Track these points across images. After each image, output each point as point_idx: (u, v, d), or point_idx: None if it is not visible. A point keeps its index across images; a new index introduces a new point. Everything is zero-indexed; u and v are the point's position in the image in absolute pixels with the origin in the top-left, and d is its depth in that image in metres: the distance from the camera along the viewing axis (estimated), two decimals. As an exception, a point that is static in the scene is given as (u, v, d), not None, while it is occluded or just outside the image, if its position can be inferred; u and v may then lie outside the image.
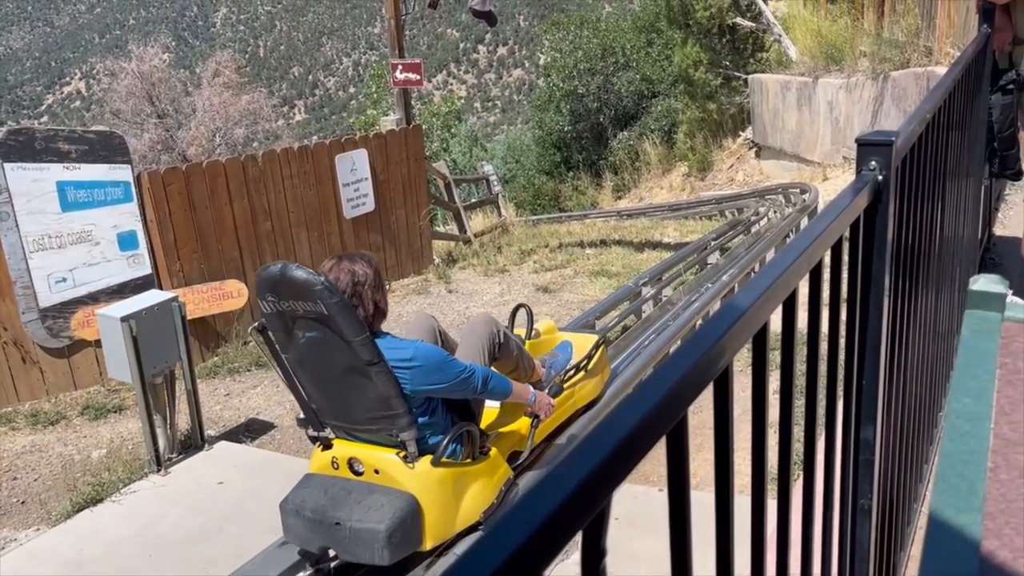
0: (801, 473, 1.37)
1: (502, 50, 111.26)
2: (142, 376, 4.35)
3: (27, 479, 4.81)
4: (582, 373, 3.73)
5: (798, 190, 10.16)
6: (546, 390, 3.49)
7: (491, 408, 3.40)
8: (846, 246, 1.34)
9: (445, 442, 2.96)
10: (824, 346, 1.33)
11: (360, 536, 2.80)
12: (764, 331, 0.92)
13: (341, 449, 3.09)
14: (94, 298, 5.93)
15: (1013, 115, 3.44)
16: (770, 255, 6.95)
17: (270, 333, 3.06)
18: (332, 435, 3.16)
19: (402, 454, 2.95)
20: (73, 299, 5.88)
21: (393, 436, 2.94)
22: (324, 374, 2.98)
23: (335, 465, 3.10)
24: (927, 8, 9.52)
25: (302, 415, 3.21)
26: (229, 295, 6.13)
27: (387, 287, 7.74)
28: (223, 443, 4.92)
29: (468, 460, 3.07)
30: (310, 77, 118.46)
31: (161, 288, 6.06)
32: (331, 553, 3.02)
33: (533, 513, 0.53)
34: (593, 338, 4.01)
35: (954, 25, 8.84)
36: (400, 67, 8.71)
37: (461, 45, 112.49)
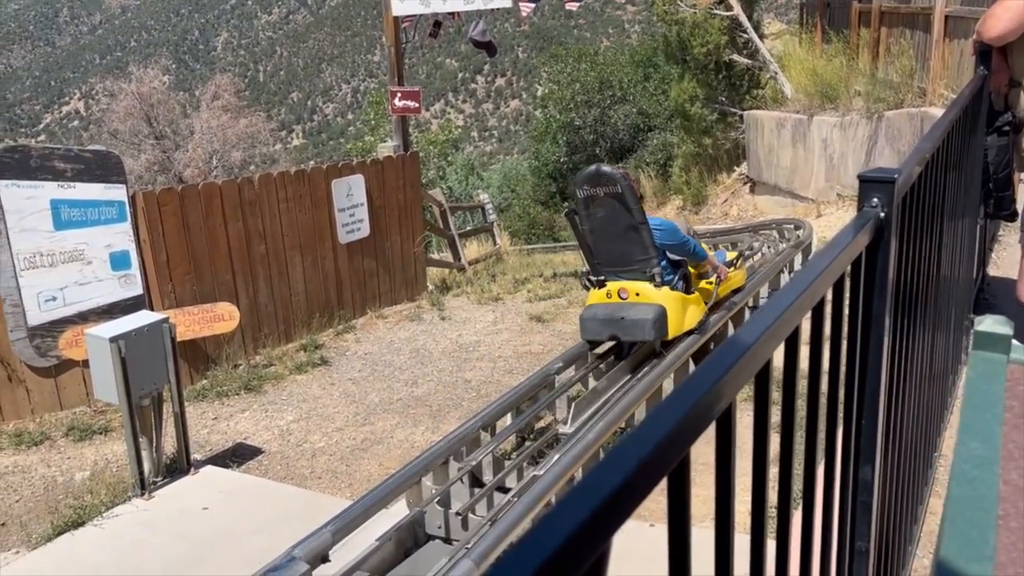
0: (797, 513, 1.34)
1: (500, 81, 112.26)
2: (129, 398, 4.30)
3: (8, 500, 4.73)
4: (733, 267, 5.89)
5: (792, 226, 10.18)
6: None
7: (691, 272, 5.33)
8: (847, 284, 1.32)
9: (675, 279, 5.06)
10: (823, 384, 1.30)
11: (636, 323, 4.86)
12: (767, 369, 0.89)
13: (613, 284, 5.08)
14: (84, 317, 5.87)
15: (1009, 156, 3.46)
16: (763, 290, 6.95)
17: (575, 216, 5.17)
18: (604, 279, 5.14)
19: (652, 284, 4.94)
20: (62, 318, 5.83)
21: (647, 273, 4.97)
22: (609, 235, 5.01)
23: (609, 295, 5.08)
24: (921, 50, 9.63)
25: (585, 268, 5.37)
26: (220, 318, 6.08)
27: (384, 311, 7.73)
28: (209, 467, 4.85)
29: (685, 293, 5.08)
30: (309, 102, 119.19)
31: (152, 309, 6.01)
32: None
33: (528, 560, 0.51)
34: (735, 252, 6.36)
35: (948, 67, 8.94)
36: (399, 94, 8.75)
37: (460, 75, 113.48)
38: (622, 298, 5.02)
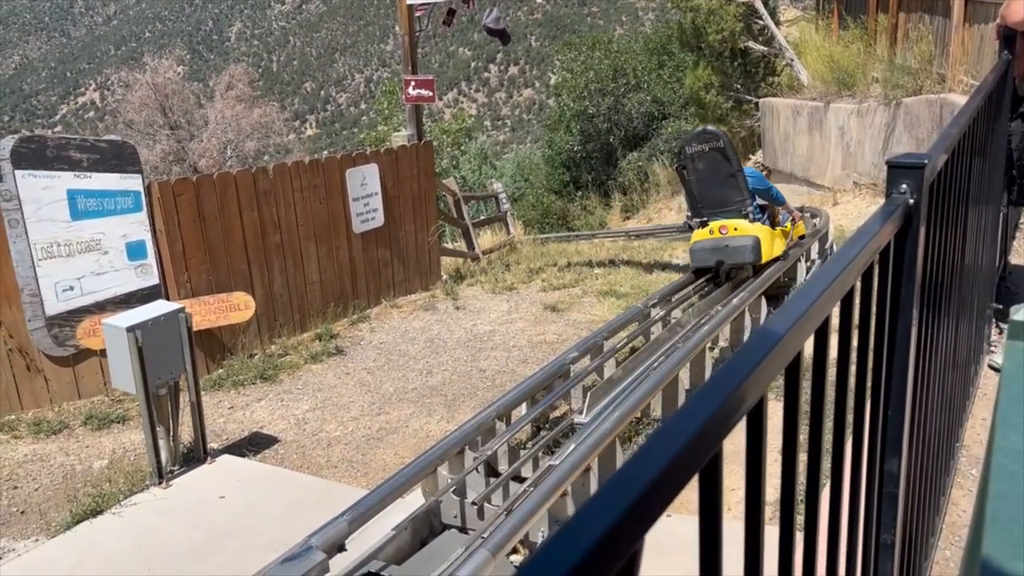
0: (824, 505, 1.32)
1: (513, 69, 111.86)
2: (146, 387, 4.31)
3: (27, 488, 4.77)
4: (800, 221, 7.24)
5: (808, 214, 10.10)
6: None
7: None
8: (876, 272, 1.29)
9: (763, 217, 6.38)
10: (849, 377, 1.28)
11: (738, 249, 6.14)
12: (797, 361, 0.87)
13: (714, 223, 6.29)
14: (101, 307, 5.90)
15: (1033, 143, 3.40)
16: (780, 279, 6.89)
17: (683, 169, 6.50)
18: (706, 220, 6.38)
19: (747, 220, 6.23)
20: (80, 308, 5.86)
21: (742, 212, 6.27)
22: (712, 182, 6.30)
23: (711, 232, 6.30)
24: (941, 35, 9.49)
25: (689, 213, 6.67)
26: (236, 307, 6.10)
27: (398, 301, 7.73)
28: (225, 456, 4.87)
29: (772, 228, 6.44)
30: (322, 92, 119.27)
31: (168, 299, 6.04)
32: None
33: (561, 560, 0.49)
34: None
35: (968, 53, 8.81)
36: (413, 83, 8.72)
37: (472, 64, 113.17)
38: (723, 233, 6.27)
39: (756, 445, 0.79)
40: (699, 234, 6.43)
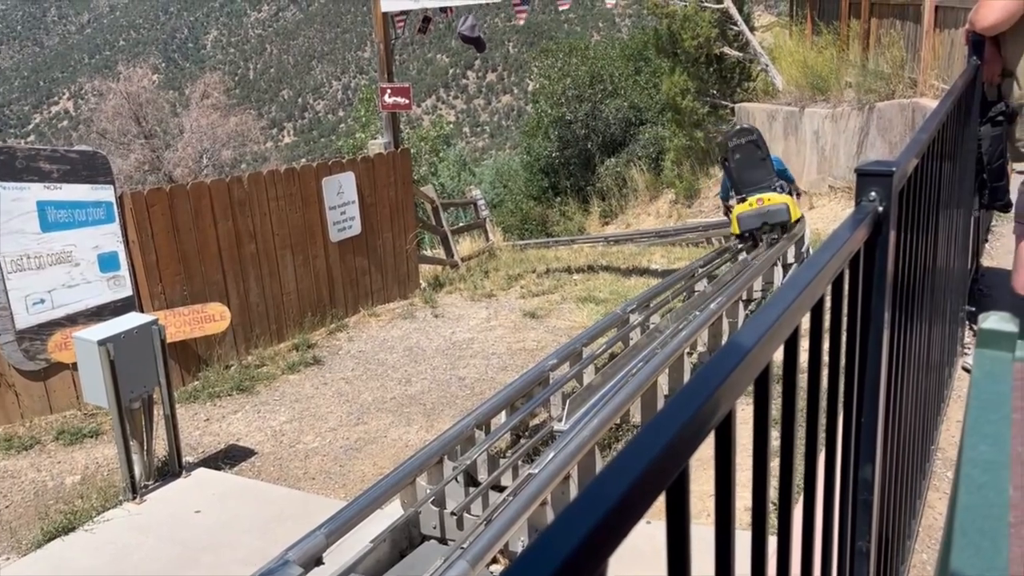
0: (797, 510, 1.31)
1: (491, 76, 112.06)
2: (119, 401, 4.25)
3: (-2, 506, 4.68)
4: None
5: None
6: None
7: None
8: (846, 280, 1.29)
9: (786, 190, 8.04)
10: (821, 384, 1.27)
11: (776, 211, 7.78)
12: (767, 373, 0.86)
13: (752, 198, 7.88)
14: (72, 320, 5.81)
15: (1002, 146, 3.43)
16: (757, 283, 6.92)
17: (727, 162, 8.17)
18: (745, 196, 7.95)
19: (776, 193, 7.89)
20: (51, 321, 5.77)
21: (772, 187, 7.94)
22: (748, 167, 8.01)
23: (750, 205, 7.87)
24: (912, 40, 9.61)
25: (733, 192, 8.39)
26: (211, 318, 6.04)
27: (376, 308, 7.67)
28: (201, 470, 4.81)
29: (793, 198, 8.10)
30: (299, 100, 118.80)
31: (142, 310, 5.96)
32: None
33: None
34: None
35: (939, 57, 8.92)
36: (389, 91, 8.69)
37: (451, 71, 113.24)
38: (759, 204, 7.96)
39: (725, 460, 0.78)
40: (741, 207, 8.07)
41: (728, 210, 8.60)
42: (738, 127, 8.75)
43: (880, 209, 1.34)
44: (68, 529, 4.12)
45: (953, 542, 0.73)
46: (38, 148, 5.91)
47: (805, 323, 1.12)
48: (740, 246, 8.35)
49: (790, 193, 8.27)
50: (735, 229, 8.23)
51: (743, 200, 8.05)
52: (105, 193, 6.02)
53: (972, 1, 3.45)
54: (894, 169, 1.34)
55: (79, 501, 4.46)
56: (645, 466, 0.61)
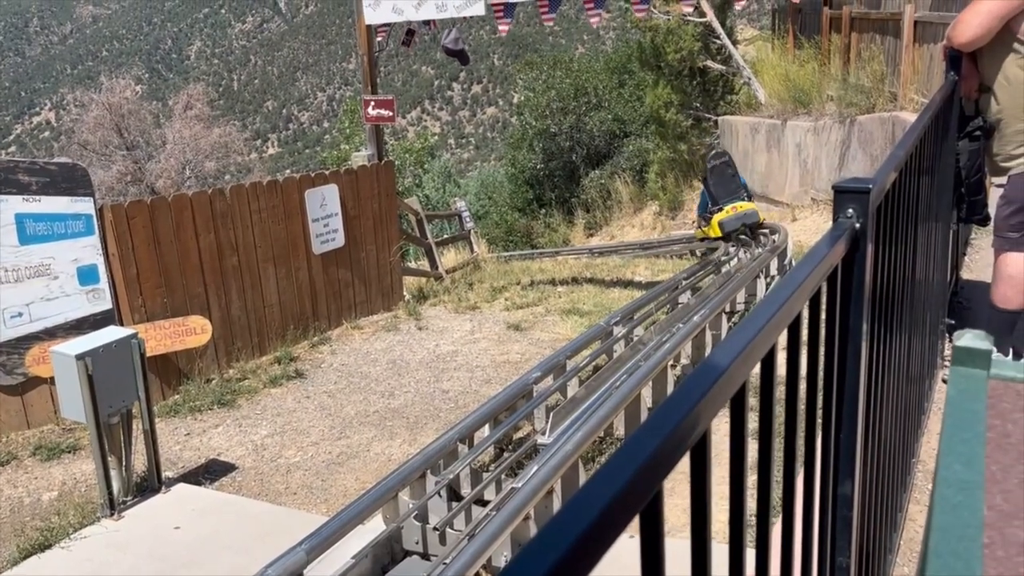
0: (777, 524, 1.31)
1: (476, 88, 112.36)
2: (97, 416, 4.20)
3: (-27, 523, 4.60)
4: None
5: (767, 230, 10.23)
6: None
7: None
8: (824, 296, 1.29)
9: (751, 197, 10.75)
10: (799, 398, 1.27)
11: (750, 214, 9.83)
12: (743, 392, 0.86)
13: (728, 207, 9.87)
14: (51, 334, 5.75)
15: (980, 161, 3.47)
16: (740, 295, 6.95)
17: (706, 179, 10.48)
18: (721, 207, 9.94)
19: (746, 201, 10.16)
20: (29, 334, 5.70)
21: (743, 197, 10.16)
22: (723, 182, 10.15)
23: (726, 212, 9.84)
24: (892, 55, 9.73)
25: (711, 204, 10.29)
26: (192, 331, 5.99)
27: (355, 322, 7.65)
28: (181, 485, 4.76)
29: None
30: (284, 111, 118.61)
31: (122, 324, 5.90)
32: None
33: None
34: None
35: (918, 72, 9.03)
36: (372, 103, 8.69)
37: (436, 82, 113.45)
38: (735, 211, 9.85)
39: (700, 479, 0.78)
40: (721, 215, 10.01)
41: (707, 220, 10.44)
42: (713, 151, 11.20)
43: (858, 225, 1.35)
44: (44, 546, 4.06)
45: (927, 564, 0.72)
46: (17, 160, 5.86)
47: (783, 338, 1.12)
48: (717, 247, 10.13)
49: (750, 199, 10.66)
50: (717, 232, 10.08)
51: (720, 209, 10.09)
52: (85, 205, 5.97)
53: (950, 17, 3.50)
54: (871, 186, 1.35)
55: (56, 518, 4.40)
56: (618, 489, 0.60)
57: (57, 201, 5.82)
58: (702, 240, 10.82)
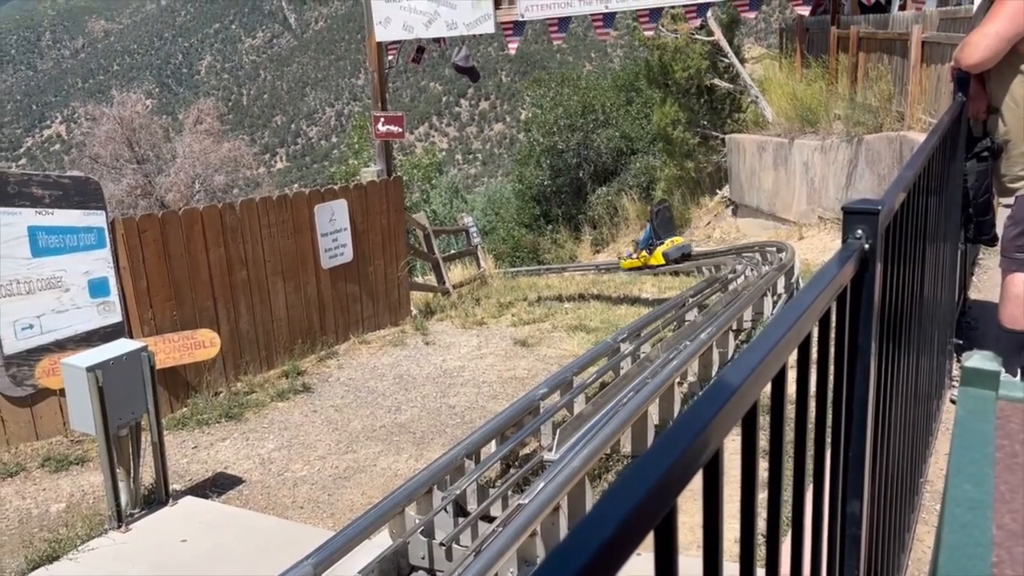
0: (785, 543, 1.32)
1: (484, 104, 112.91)
2: (106, 428, 4.22)
3: (-20, 534, 4.62)
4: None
5: (775, 248, 10.24)
6: None
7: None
8: (833, 317, 1.31)
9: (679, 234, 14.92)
10: (809, 416, 1.28)
11: (687, 245, 13.67)
12: (754, 411, 0.87)
13: (667, 241, 13.80)
14: (61, 346, 5.78)
15: (988, 181, 3.48)
16: (747, 314, 6.96)
17: (651, 222, 14.78)
18: (663, 240, 13.96)
19: (679, 237, 14.40)
20: (39, 346, 5.74)
21: (675, 235, 14.68)
22: (664, 222, 14.57)
23: (668, 245, 13.72)
24: (899, 75, 9.76)
25: (654, 239, 14.21)
26: (201, 344, 6.01)
27: (365, 337, 7.66)
28: (188, 498, 4.77)
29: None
30: (293, 126, 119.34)
31: (132, 336, 5.94)
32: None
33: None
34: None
35: (925, 92, 9.06)
36: (382, 119, 8.75)
37: (444, 98, 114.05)
38: (673, 243, 12.73)
39: (713, 498, 0.79)
40: (664, 247, 13.36)
41: (650, 252, 13.83)
42: (656, 200, 15.74)
43: (867, 246, 1.36)
44: (52, 558, 4.07)
45: (938, 582, 0.73)
46: (30, 173, 5.92)
47: (793, 356, 1.14)
48: (661, 270, 12.59)
49: (679, 236, 14.03)
50: (659, 260, 13.29)
51: (662, 243, 13.61)
52: (97, 219, 6.02)
53: (958, 38, 3.52)
54: (880, 208, 1.36)
55: (64, 529, 4.41)
56: (632, 507, 0.62)
57: (70, 214, 5.87)
58: (630, 270, 13.75)
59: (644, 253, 14.07)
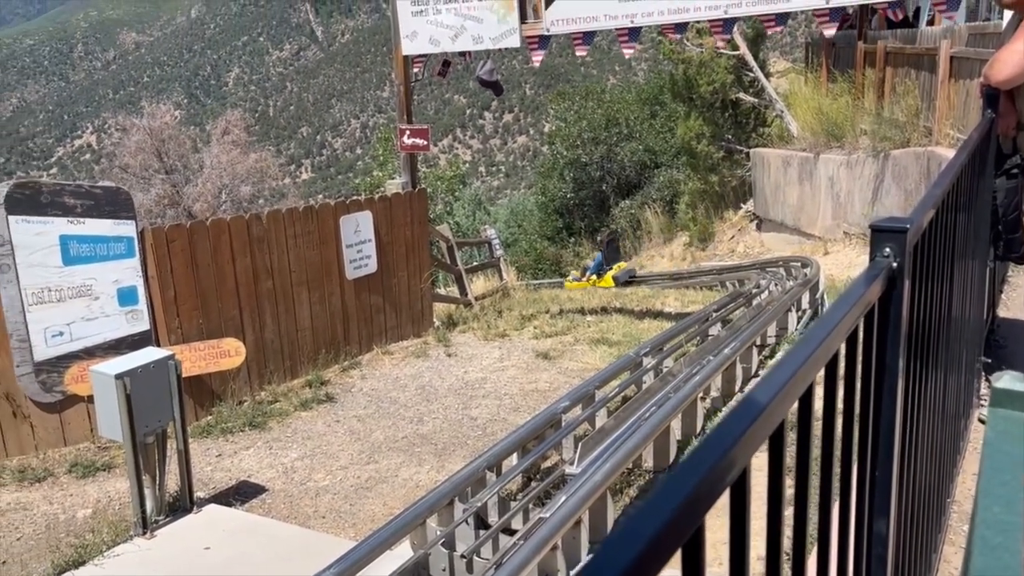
0: (811, 560, 1.31)
1: (508, 117, 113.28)
2: (133, 435, 4.27)
3: (9, 539, 4.68)
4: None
5: (799, 263, 10.16)
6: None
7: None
8: (860, 335, 1.30)
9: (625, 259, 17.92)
10: (836, 434, 1.28)
11: (632, 269, 16.22)
12: (781, 430, 0.87)
13: (615, 266, 16.28)
14: (90, 353, 5.87)
15: (1017, 199, 3.45)
16: (771, 329, 6.91)
17: (604, 251, 17.67)
18: (612, 265, 16.94)
19: (623, 263, 17.15)
20: (69, 353, 5.83)
21: (621, 260, 17.58)
22: (613, 251, 18.07)
23: (616, 268, 16.17)
24: (927, 90, 9.68)
25: (605, 264, 17.12)
26: (226, 353, 6.07)
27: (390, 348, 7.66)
28: (212, 506, 4.81)
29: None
30: (318, 137, 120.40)
31: (159, 345, 6.01)
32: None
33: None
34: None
35: (953, 107, 8.98)
36: (408, 132, 8.82)
37: (468, 111, 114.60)
38: (620, 268, 15.25)
39: (740, 516, 0.79)
40: (613, 271, 15.33)
41: (600, 276, 15.73)
42: (607, 231, 18.44)
43: (895, 264, 1.36)
44: (78, 563, 4.12)
45: (967, 605, 0.73)
46: (63, 183, 6.03)
47: (820, 373, 1.14)
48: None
49: (625, 262, 15.99)
50: (610, 283, 14.83)
51: (611, 268, 15.60)
52: (127, 228, 6.11)
53: (987, 53, 3.50)
54: (908, 226, 1.36)
55: (90, 535, 4.46)
56: (661, 524, 0.62)
57: (101, 224, 5.97)
58: (574, 288, 15.38)
59: (594, 277, 16.17)
